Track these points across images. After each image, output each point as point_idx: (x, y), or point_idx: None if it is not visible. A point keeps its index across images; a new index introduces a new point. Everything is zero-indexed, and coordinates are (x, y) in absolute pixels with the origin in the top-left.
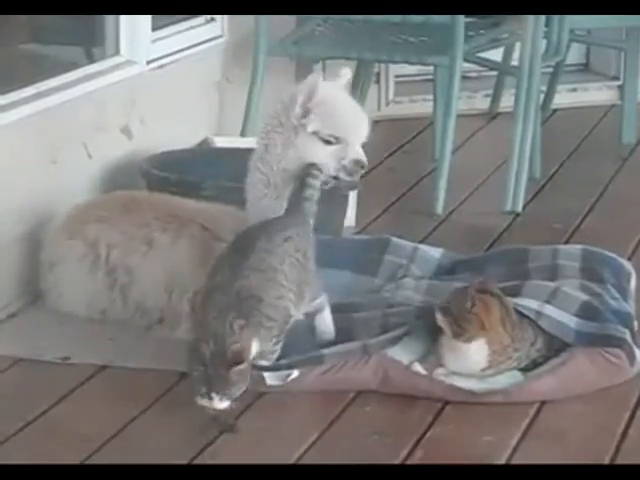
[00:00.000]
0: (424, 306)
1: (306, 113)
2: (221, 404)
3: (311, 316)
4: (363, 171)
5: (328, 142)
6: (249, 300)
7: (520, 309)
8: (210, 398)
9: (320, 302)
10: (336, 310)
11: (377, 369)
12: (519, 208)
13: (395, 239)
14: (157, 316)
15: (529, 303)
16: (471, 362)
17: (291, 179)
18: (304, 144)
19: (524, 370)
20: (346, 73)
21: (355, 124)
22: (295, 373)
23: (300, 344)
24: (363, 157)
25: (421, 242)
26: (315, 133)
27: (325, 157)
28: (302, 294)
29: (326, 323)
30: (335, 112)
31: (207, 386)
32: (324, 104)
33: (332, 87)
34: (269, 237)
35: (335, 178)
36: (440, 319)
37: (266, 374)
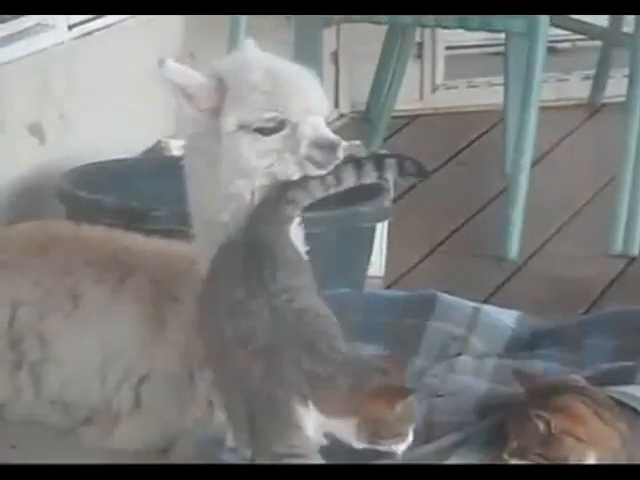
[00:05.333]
0: (490, 397)
1: (217, 109)
2: None
3: None
4: (340, 156)
5: (265, 131)
6: None
7: (634, 405)
8: None
9: None
10: None
11: None
12: (635, 250)
13: (445, 296)
14: (84, 413)
15: None
16: None
17: None
18: (230, 150)
19: None
20: (248, 43)
21: (296, 89)
22: None
23: None
24: (329, 133)
25: (486, 301)
26: (241, 127)
27: (268, 154)
28: None
29: None
30: (258, 86)
31: None
32: (235, 84)
33: (242, 59)
34: None
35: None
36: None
37: None
